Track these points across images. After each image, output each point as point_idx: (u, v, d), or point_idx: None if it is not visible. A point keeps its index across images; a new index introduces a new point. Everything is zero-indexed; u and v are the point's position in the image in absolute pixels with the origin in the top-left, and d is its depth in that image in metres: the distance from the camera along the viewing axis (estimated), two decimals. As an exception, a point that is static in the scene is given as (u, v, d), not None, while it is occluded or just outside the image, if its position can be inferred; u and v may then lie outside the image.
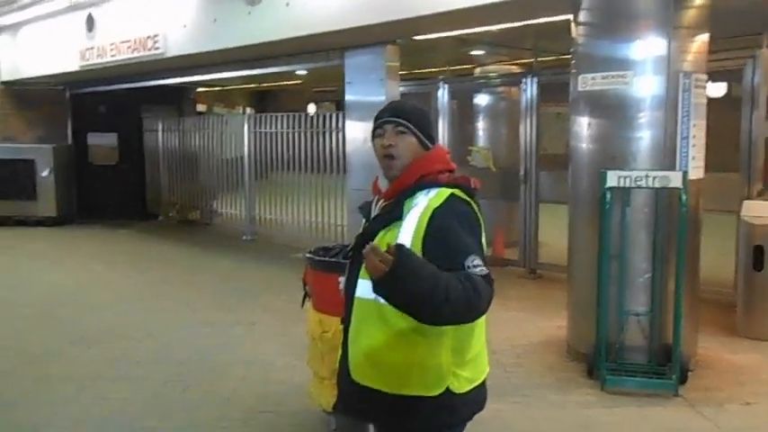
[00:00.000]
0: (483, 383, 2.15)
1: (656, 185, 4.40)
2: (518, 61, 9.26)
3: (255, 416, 4.16)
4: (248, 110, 21.06)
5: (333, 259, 3.61)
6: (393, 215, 2.07)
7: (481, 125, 9.41)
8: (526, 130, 7.83)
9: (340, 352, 2.18)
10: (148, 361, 5.09)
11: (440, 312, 1.81)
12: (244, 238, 10.71)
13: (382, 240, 2.01)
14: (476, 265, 1.92)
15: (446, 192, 2.05)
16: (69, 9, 9.91)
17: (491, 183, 8.44)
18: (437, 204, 2.02)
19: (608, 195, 4.44)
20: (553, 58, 8.95)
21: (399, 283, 1.76)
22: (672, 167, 4.53)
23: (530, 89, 7.76)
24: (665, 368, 4.51)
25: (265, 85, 17.83)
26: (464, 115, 9.47)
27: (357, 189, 7.57)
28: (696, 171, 4.61)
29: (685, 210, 4.33)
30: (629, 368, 4.55)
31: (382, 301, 1.87)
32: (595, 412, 4.16)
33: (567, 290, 5.18)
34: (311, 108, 20.58)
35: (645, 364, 4.60)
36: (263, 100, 22.32)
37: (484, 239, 2.08)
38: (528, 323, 5.98)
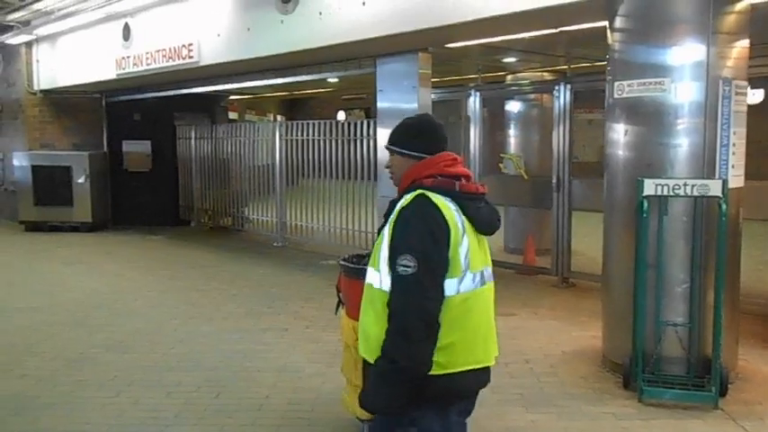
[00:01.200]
0: (461, 375, 2.27)
1: (695, 194, 4.31)
2: (551, 68, 9.19)
3: (288, 423, 4.16)
4: (279, 117, 21.25)
5: (366, 267, 3.59)
6: (388, 215, 2.39)
7: (513, 132, 9.36)
8: (559, 138, 7.75)
9: None
10: (180, 367, 5.13)
11: (402, 351, 2.17)
12: (274, 244, 10.78)
13: (381, 235, 2.39)
14: (401, 264, 2.19)
15: (416, 193, 2.32)
16: (106, 19, 10.10)
17: (523, 190, 8.39)
18: (405, 204, 2.32)
19: (645, 204, 4.36)
20: (587, 64, 8.87)
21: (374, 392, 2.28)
22: (711, 176, 4.44)
23: (563, 96, 7.69)
24: (704, 380, 4.41)
25: (296, 93, 17.97)
26: (496, 122, 9.43)
27: (386, 196, 7.53)
28: (736, 180, 4.51)
29: (725, 219, 4.23)
30: (666, 380, 4.46)
31: (375, 285, 2.34)
32: (632, 424, 4.08)
33: (602, 299, 5.10)
34: (341, 116, 20.69)
35: (683, 375, 4.50)
36: (293, 108, 22.50)
37: (453, 238, 2.24)
38: (561, 333, 5.90)
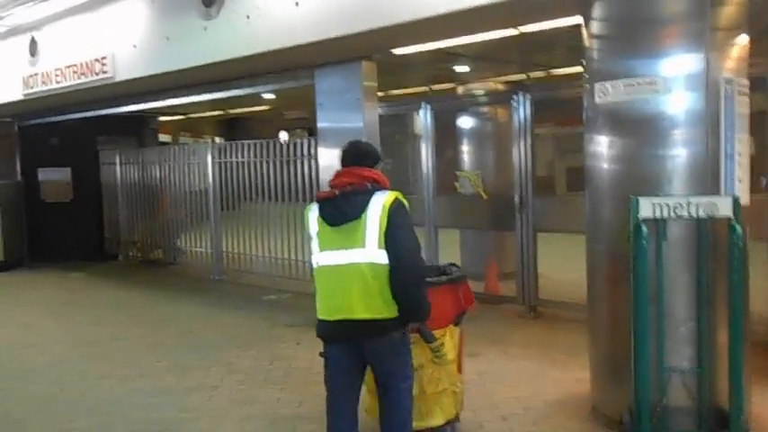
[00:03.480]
0: (321, 322, 3.25)
1: (701, 214, 3.59)
2: (507, 77, 8.53)
3: None
4: (217, 139, 20.17)
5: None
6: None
7: (468, 148, 8.62)
8: (520, 153, 7.04)
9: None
10: (81, 448, 4.12)
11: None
12: (211, 278, 9.75)
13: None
14: None
15: None
16: (10, 33, 8.99)
17: (482, 211, 7.64)
18: None
19: (643, 228, 3.62)
20: (543, 74, 8.26)
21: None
22: (715, 191, 3.74)
23: (522, 107, 6.99)
24: (720, 437, 3.68)
25: (234, 112, 16.98)
26: (449, 138, 8.67)
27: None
28: (744, 196, 3.82)
29: (741, 244, 3.52)
30: (675, 439, 3.71)
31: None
32: (644, 504, 3.29)
33: (589, 341, 4.32)
34: (283, 136, 19.76)
35: (694, 431, 3.76)
36: (233, 128, 21.46)
37: (308, 230, 3.31)
38: (539, 376, 5.10)
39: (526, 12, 4.89)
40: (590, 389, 4.36)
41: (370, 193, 3.15)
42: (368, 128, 6.35)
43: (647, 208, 3.64)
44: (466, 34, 5.64)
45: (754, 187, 5.35)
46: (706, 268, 3.73)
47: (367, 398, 3.75)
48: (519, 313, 7.03)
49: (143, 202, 11.24)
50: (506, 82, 8.46)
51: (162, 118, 14.37)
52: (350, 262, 3.12)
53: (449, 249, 8.68)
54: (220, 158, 9.60)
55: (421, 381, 3.66)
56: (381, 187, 3.21)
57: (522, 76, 8.08)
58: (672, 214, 3.62)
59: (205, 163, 9.83)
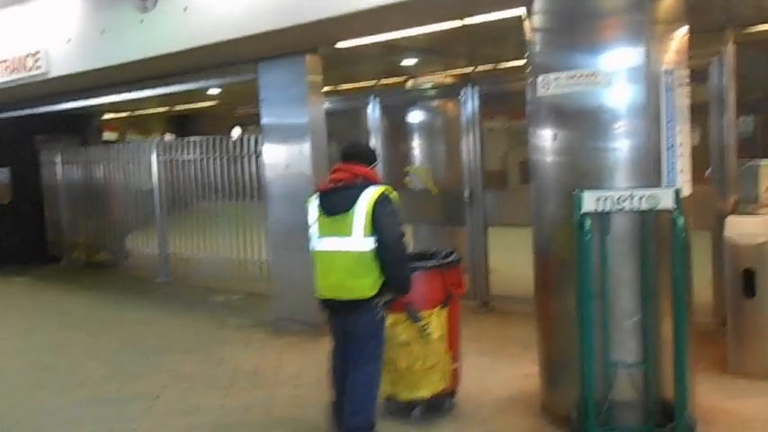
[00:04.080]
0: (318, 299, 3.84)
1: (644, 207, 3.56)
2: (455, 71, 8.46)
3: None
4: (167, 136, 19.68)
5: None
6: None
7: (418, 143, 8.52)
8: (469, 147, 6.99)
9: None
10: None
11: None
12: (157, 280, 9.47)
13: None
14: None
15: None
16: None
17: (432, 206, 7.57)
18: None
19: (586, 222, 3.57)
20: (491, 66, 8.21)
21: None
22: (657, 183, 3.72)
23: (470, 100, 6.93)
24: (666, 430, 3.66)
25: (182, 108, 16.54)
26: (399, 133, 8.57)
27: (279, 222, 6.52)
28: (685, 187, 3.81)
29: (683, 235, 3.50)
30: (622, 433, 3.69)
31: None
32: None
33: (537, 337, 4.27)
34: (236, 132, 19.38)
35: (641, 426, 3.74)
36: (183, 125, 20.96)
37: (310, 218, 3.91)
38: (491, 372, 5.06)
39: (470, 3, 4.81)
40: (540, 385, 4.31)
41: (360, 188, 3.66)
42: (314, 123, 6.20)
43: (590, 201, 3.60)
44: (410, 26, 5.54)
45: (699, 178, 5.41)
46: (649, 261, 3.71)
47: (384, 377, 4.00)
48: (471, 308, 6.96)
49: (87, 203, 10.84)
50: (455, 75, 8.39)
51: (106, 115, 13.92)
52: (338, 249, 3.68)
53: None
54: (165, 156, 9.31)
55: (408, 356, 4.05)
56: (371, 183, 3.71)
57: (471, 70, 8.01)
58: (615, 207, 3.58)
59: (150, 161, 9.53)
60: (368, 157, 3.87)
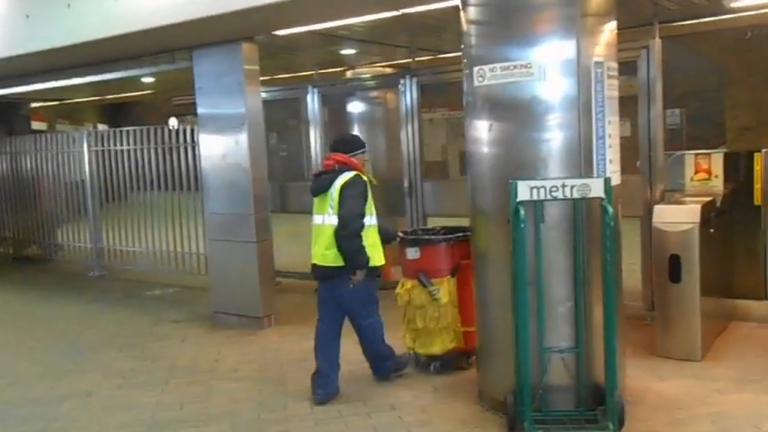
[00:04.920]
0: (313, 266, 4.43)
1: (575, 195, 3.65)
2: (394, 62, 8.47)
3: None
4: (100, 126, 19.04)
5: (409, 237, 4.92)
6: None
7: (358, 133, 8.48)
8: (408, 138, 7.02)
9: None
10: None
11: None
12: (91, 274, 9.18)
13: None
14: None
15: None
16: None
17: (372, 196, 7.55)
18: None
19: (521, 211, 3.64)
20: (431, 57, 8.25)
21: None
22: (589, 173, 3.82)
23: (409, 91, 6.96)
24: (597, 413, 3.78)
25: (116, 97, 16.03)
26: (338, 123, 8.52)
27: (217, 213, 6.41)
28: (615, 176, 3.93)
29: (613, 223, 3.61)
30: (556, 417, 3.79)
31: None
32: (526, 484, 3.33)
33: (476, 325, 4.34)
34: (172, 122, 18.91)
35: (574, 410, 3.85)
36: (117, 115, 20.34)
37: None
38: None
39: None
40: (477, 372, 4.39)
41: (337, 173, 4.33)
42: (250, 113, 6.10)
43: (524, 191, 3.66)
44: (349, 15, 5.51)
45: (631, 168, 5.59)
46: (581, 248, 3.81)
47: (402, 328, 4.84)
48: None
49: (15, 195, 10.42)
50: (394, 66, 8.41)
51: (34, 104, 13.35)
52: (320, 223, 4.35)
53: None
54: (98, 147, 9.01)
55: (424, 318, 4.66)
56: (347, 169, 4.35)
57: (410, 60, 8.02)
58: (548, 196, 3.66)
59: (81, 152, 9.20)
60: (348, 146, 4.49)
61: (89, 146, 9.07)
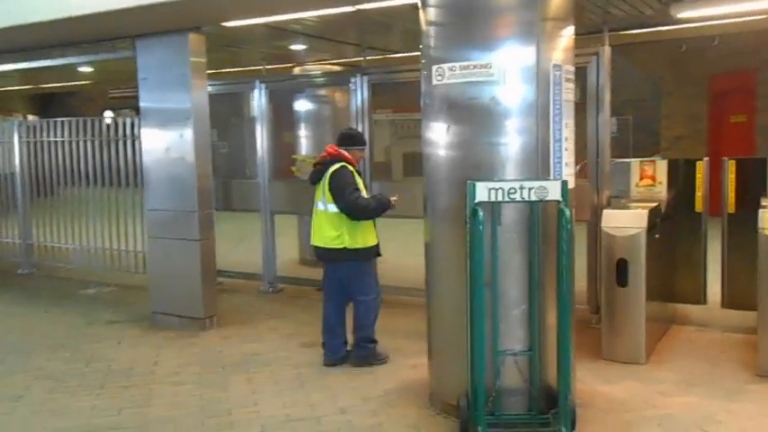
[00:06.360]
0: (315, 247, 5.05)
1: (533, 198, 3.64)
2: (345, 60, 8.37)
3: None
4: (30, 117, 18.20)
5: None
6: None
7: (306, 132, 8.36)
8: (358, 136, 6.91)
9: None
10: None
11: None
12: (19, 271, 8.71)
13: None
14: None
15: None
16: None
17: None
18: None
19: (479, 212, 3.60)
20: (382, 56, 8.19)
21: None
22: (545, 175, 3.81)
23: (360, 90, 6.86)
24: (549, 417, 3.78)
25: (47, 86, 15.35)
26: (287, 120, 8.36)
27: (157, 210, 6.16)
28: (570, 179, 3.93)
29: (570, 226, 3.61)
30: (509, 420, 3.77)
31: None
32: (480, 489, 3.28)
33: (427, 326, 4.28)
34: (108, 116, 18.25)
35: (526, 414, 3.84)
36: (48, 105, 19.54)
37: None
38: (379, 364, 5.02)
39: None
40: (428, 375, 4.33)
41: (329, 164, 4.87)
42: (196, 106, 5.88)
43: (482, 192, 3.62)
44: (302, 9, 5.38)
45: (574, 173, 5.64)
46: (537, 251, 3.80)
47: None
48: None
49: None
50: (343, 64, 8.31)
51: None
52: (318, 209, 4.94)
53: (287, 236, 8.44)
54: (29, 138, 8.56)
55: None
56: (338, 160, 4.86)
57: (360, 59, 7.94)
58: (506, 198, 3.63)
59: (11, 143, 8.72)
60: (352, 140, 5.04)
61: (20, 137, 8.61)
